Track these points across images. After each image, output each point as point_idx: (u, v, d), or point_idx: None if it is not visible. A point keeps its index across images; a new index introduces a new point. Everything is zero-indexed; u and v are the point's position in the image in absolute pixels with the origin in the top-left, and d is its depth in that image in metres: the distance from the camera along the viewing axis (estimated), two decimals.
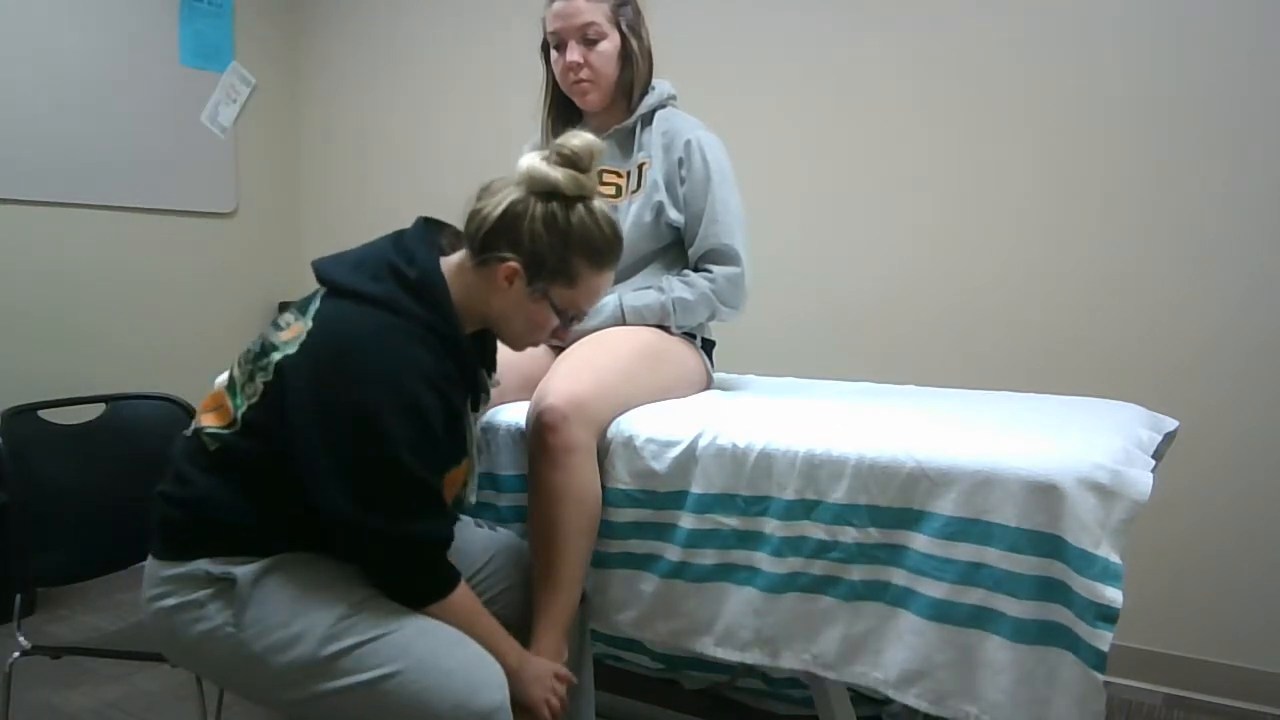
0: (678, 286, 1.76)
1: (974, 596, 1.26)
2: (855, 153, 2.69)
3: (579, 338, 1.67)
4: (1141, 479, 1.24)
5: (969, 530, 1.27)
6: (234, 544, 1.25)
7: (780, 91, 2.79)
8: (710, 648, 1.45)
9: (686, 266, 1.82)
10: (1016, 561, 1.24)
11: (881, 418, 1.50)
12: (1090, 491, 1.22)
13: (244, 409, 1.27)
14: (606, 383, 1.55)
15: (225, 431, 1.28)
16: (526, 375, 1.66)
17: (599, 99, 1.80)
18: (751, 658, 1.42)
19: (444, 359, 1.26)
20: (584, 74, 1.76)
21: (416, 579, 1.29)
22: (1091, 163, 2.39)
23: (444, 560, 1.31)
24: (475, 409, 1.40)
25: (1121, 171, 2.36)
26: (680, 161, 1.77)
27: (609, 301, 1.74)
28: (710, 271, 1.78)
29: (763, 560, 1.40)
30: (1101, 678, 1.17)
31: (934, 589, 1.28)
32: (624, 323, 1.75)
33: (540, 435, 1.46)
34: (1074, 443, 1.32)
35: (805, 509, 1.37)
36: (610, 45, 1.77)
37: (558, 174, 1.27)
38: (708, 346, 1.87)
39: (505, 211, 1.27)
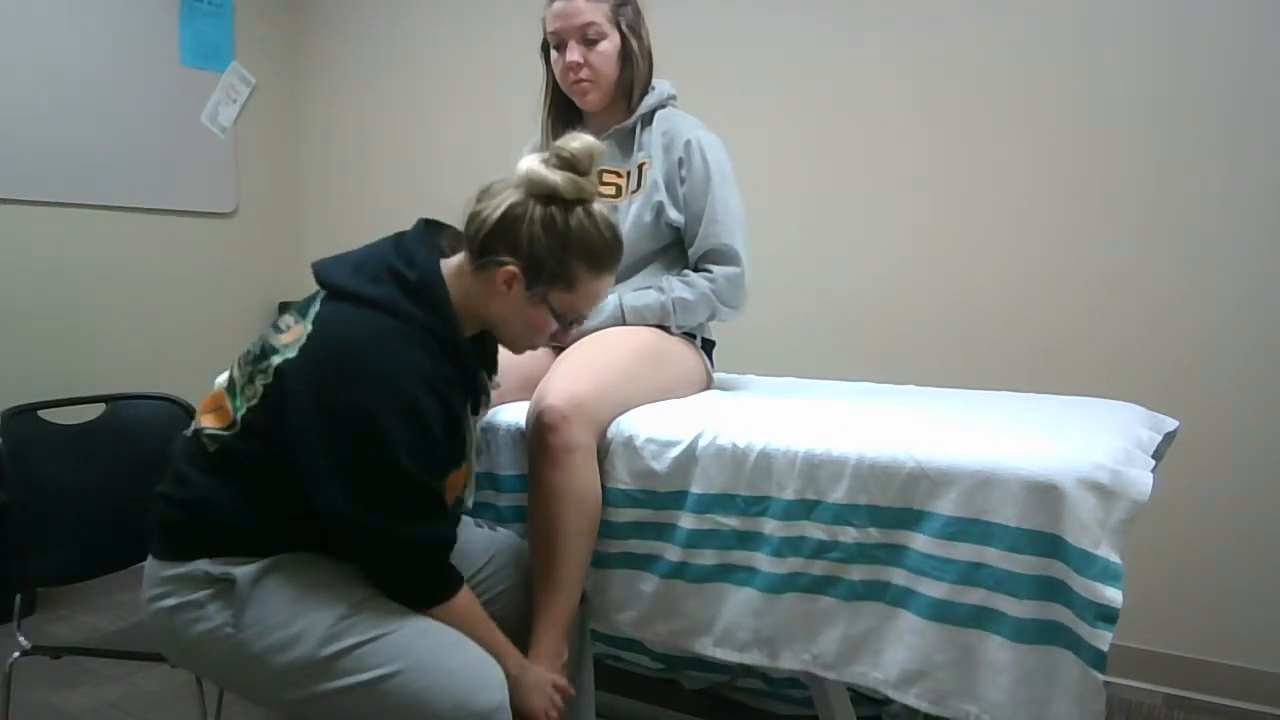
0: (678, 286, 1.76)
1: (974, 596, 1.26)
2: (855, 153, 2.69)
3: (579, 338, 1.67)
4: (1141, 479, 1.24)
5: (969, 530, 1.27)
6: (234, 545, 1.26)
7: (780, 91, 2.79)
8: (710, 648, 1.45)
9: (686, 266, 1.82)
10: (1016, 561, 1.24)
11: (881, 418, 1.50)
12: (1090, 491, 1.22)
13: (243, 411, 1.27)
14: (606, 383, 1.55)
15: (224, 433, 1.28)
16: (526, 375, 1.66)
17: (599, 99, 1.80)
18: (751, 658, 1.42)
19: (443, 362, 1.26)
20: (584, 74, 1.76)
21: (417, 580, 1.29)
22: (1091, 163, 2.39)
23: (446, 563, 1.31)
24: (475, 412, 1.40)
25: (1121, 171, 2.36)
26: (680, 161, 1.77)
27: (609, 301, 1.74)
28: (710, 271, 1.78)
29: (762, 560, 1.40)
30: (1102, 677, 1.17)
31: (934, 589, 1.28)
32: (624, 323, 1.75)
33: (540, 435, 1.46)
34: (1074, 443, 1.32)
35: (805, 509, 1.37)
36: (610, 45, 1.77)
37: (556, 177, 1.26)
38: (708, 346, 1.87)
39: (504, 214, 1.27)
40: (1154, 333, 2.34)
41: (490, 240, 1.27)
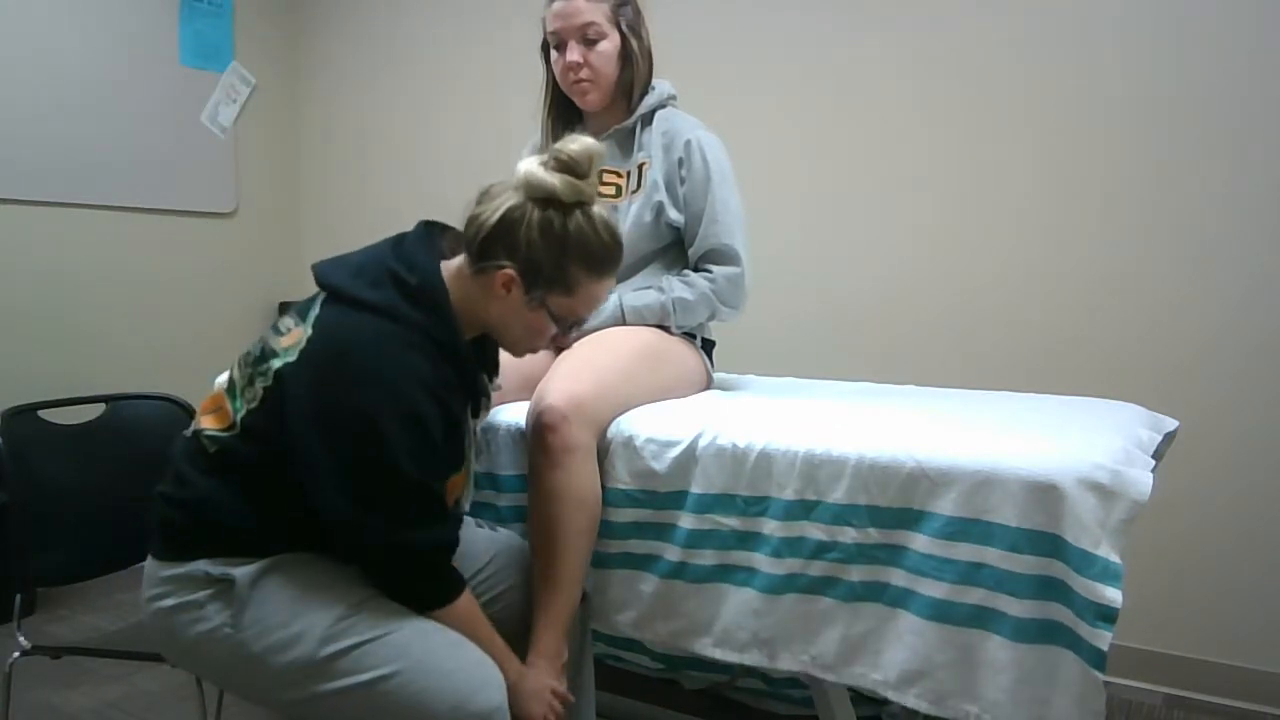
0: (678, 286, 1.76)
1: (974, 596, 1.26)
2: (855, 153, 2.69)
3: (579, 338, 1.67)
4: (1141, 479, 1.24)
5: (969, 530, 1.27)
6: (233, 545, 1.25)
7: (780, 91, 2.78)
8: (709, 649, 1.45)
9: (686, 266, 1.82)
10: (1017, 561, 1.24)
11: (881, 418, 1.50)
12: (1090, 491, 1.22)
13: (243, 413, 1.27)
14: (606, 383, 1.55)
15: (224, 434, 1.28)
16: (526, 375, 1.66)
17: (599, 99, 1.80)
18: (750, 659, 1.42)
19: (443, 366, 1.25)
20: (584, 74, 1.76)
21: (418, 584, 1.29)
22: (1091, 163, 2.39)
23: (447, 566, 1.31)
24: (475, 415, 1.40)
25: (1121, 171, 2.36)
26: (680, 161, 1.77)
27: (609, 301, 1.74)
28: (710, 271, 1.78)
29: (762, 561, 1.40)
30: (1102, 677, 1.17)
31: (934, 589, 1.28)
32: (624, 323, 1.75)
33: (540, 435, 1.46)
34: (1074, 443, 1.32)
35: (805, 509, 1.37)
36: (610, 45, 1.77)
37: (555, 180, 1.25)
38: (708, 346, 1.87)
39: (502, 218, 1.26)
40: (1154, 333, 2.34)
41: (489, 243, 1.27)
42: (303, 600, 1.24)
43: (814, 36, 2.72)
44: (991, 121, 2.50)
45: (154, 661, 1.57)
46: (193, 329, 3.49)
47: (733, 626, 1.43)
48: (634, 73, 1.80)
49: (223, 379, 1.36)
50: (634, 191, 1.79)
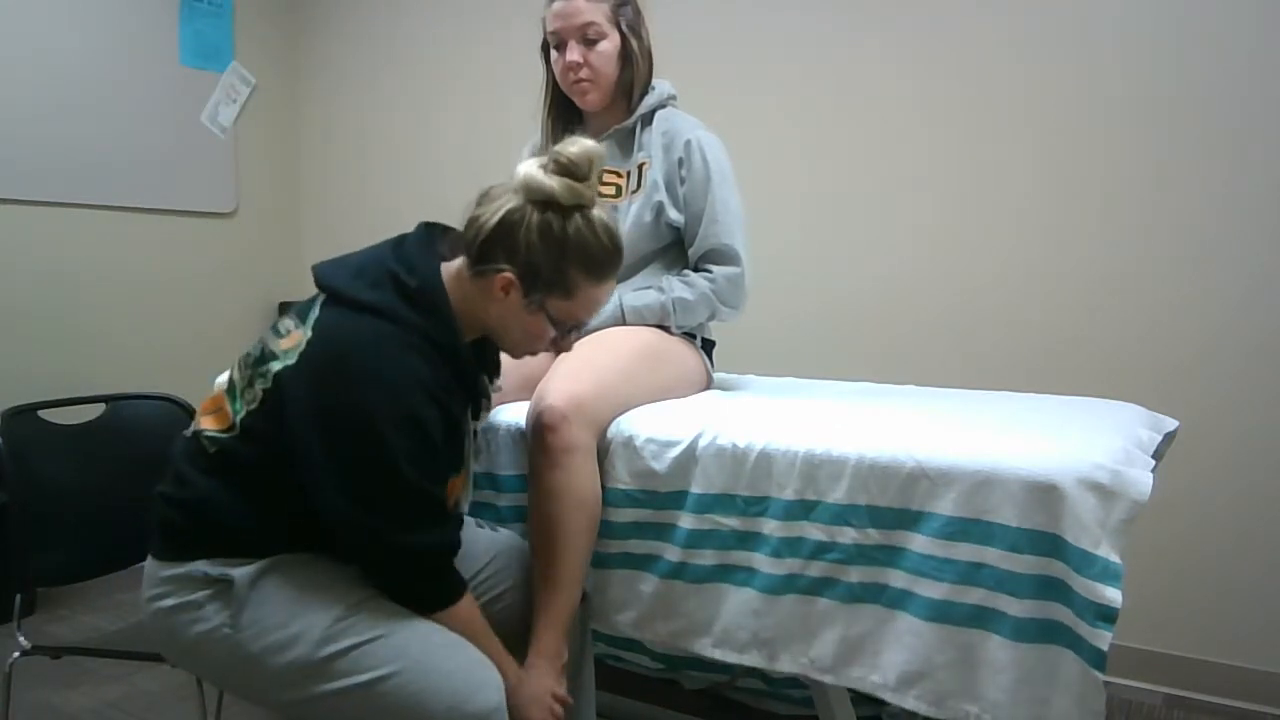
0: (678, 286, 1.76)
1: (974, 596, 1.26)
2: (855, 153, 2.69)
3: (579, 339, 1.67)
4: (1141, 479, 1.24)
5: (969, 530, 1.27)
6: (233, 545, 1.26)
7: (780, 91, 2.78)
8: (709, 649, 1.45)
9: (686, 266, 1.82)
10: (1016, 561, 1.24)
11: (881, 418, 1.50)
12: (1090, 491, 1.22)
13: (243, 414, 1.27)
14: (606, 383, 1.55)
15: (224, 435, 1.28)
16: (526, 375, 1.66)
17: (599, 99, 1.80)
18: (750, 659, 1.42)
19: (442, 368, 1.25)
20: (584, 74, 1.76)
21: (417, 584, 1.29)
22: (1091, 163, 2.39)
23: (449, 569, 1.31)
24: (475, 417, 1.39)
25: (1121, 171, 2.36)
26: (680, 161, 1.77)
27: (609, 301, 1.74)
28: (710, 271, 1.78)
29: (762, 561, 1.40)
30: (1102, 677, 1.17)
31: (933, 590, 1.28)
32: (624, 323, 1.75)
33: (540, 435, 1.46)
34: (1074, 443, 1.32)
35: (804, 509, 1.37)
36: (610, 45, 1.77)
37: (553, 183, 1.24)
38: (708, 346, 1.87)
39: (501, 220, 1.25)
40: (1154, 333, 2.34)
41: (488, 246, 1.26)
42: (301, 601, 1.24)
43: (814, 36, 2.72)
44: (991, 121, 2.50)
45: (154, 661, 1.57)
46: (193, 329, 3.49)
47: (732, 627, 1.43)
48: (634, 73, 1.80)
49: (223, 379, 1.36)
50: (634, 191, 1.79)
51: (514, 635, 1.42)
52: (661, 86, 1.85)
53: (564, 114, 1.87)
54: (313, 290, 1.32)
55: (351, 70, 3.71)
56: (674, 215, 1.77)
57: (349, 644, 1.23)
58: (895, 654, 1.31)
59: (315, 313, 1.27)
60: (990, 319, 2.53)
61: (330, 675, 1.22)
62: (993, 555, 1.25)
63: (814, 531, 1.36)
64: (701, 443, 1.45)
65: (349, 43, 3.70)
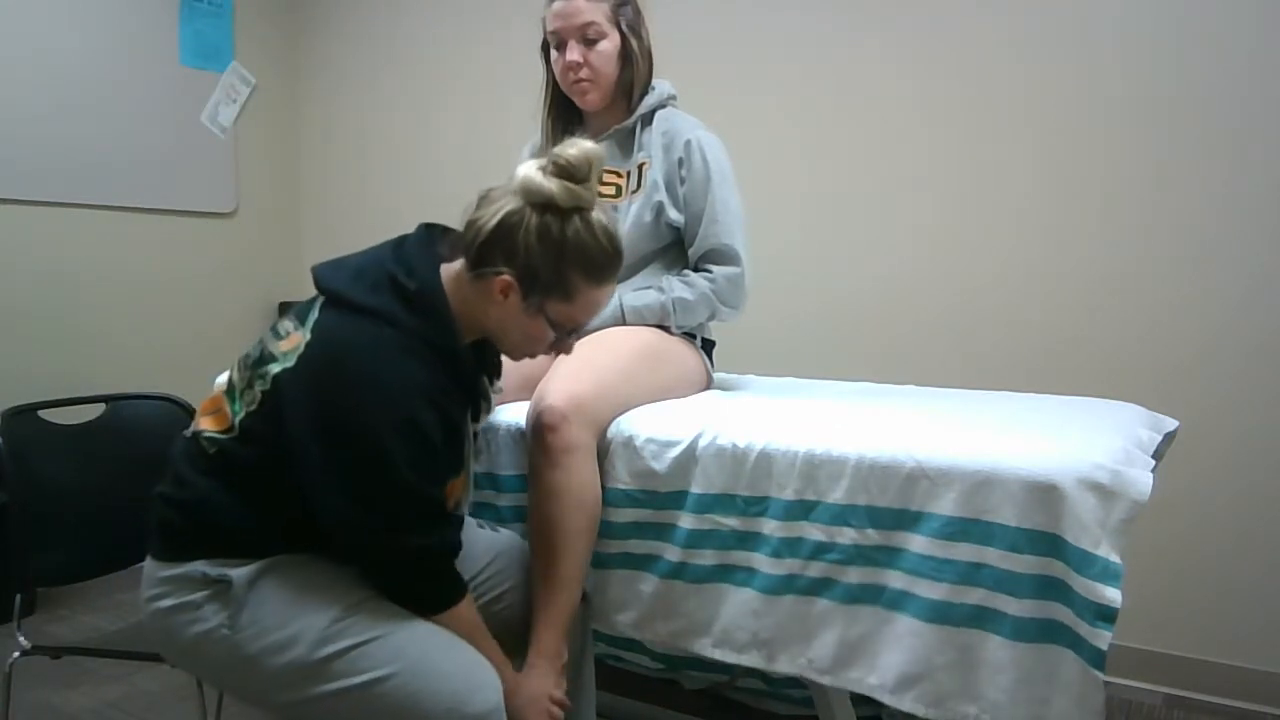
0: (678, 286, 1.76)
1: (974, 596, 1.26)
2: (855, 153, 2.69)
3: (579, 339, 1.67)
4: (1141, 479, 1.24)
5: (969, 530, 1.27)
6: (231, 546, 1.25)
7: (780, 91, 2.78)
8: (709, 649, 1.45)
9: (686, 266, 1.82)
10: (1016, 561, 1.24)
11: (881, 418, 1.50)
12: (1090, 491, 1.22)
13: (242, 416, 1.27)
14: (606, 383, 1.55)
15: (223, 437, 1.27)
16: (526, 375, 1.66)
17: (599, 99, 1.80)
18: (749, 660, 1.42)
19: (441, 372, 1.25)
20: (584, 74, 1.76)
21: (416, 585, 1.29)
22: (1091, 163, 2.39)
23: (448, 570, 1.30)
24: (475, 419, 1.39)
25: (1121, 171, 2.36)
26: (680, 161, 1.77)
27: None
28: (710, 271, 1.78)
29: (761, 561, 1.40)
30: (1102, 676, 1.17)
31: (932, 590, 1.28)
32: (624, 323, 1.75)
33: (540, 435, 1.46)
34: (1074, 443, 1.32)
35: (804, 509, 1.37)
36: (610, 45, 1.77)
37: (552, 185, 1.24)
38: (708, 346, 1.87)
39: (500, 223, 1.25)
40: (1154, 333, 2.34)
41: (486, 248, 1.26)
42: (299, 602, 1.24)
43: (814, 36, 2.72)
44: (991, 121, 2.50)
45: (154, 661, 1.57)
46: (193, 329, 3.49)
47: (732, 627, 1.43)
48: (634, 73, 1.80)
49: (222, 380, 1.36)
50: (634, 191, 1.79)
51: (514, 636, 1.42)
52: (661, 86, 1.85)
53: (564, 114, 1.87)
54: (313, 291, 1.32)
55: (351, 70, 3.71)
56: (674, 215, 1.77)
57: (347, 645, 1.23)
58: (894, 655, 1.31)
59: (314, 315, 1.27)
60: (990, 319, 2.53)
61: (328, 676, 1.22)
62: (992, 555, 1.25)
63: (814, 532, 1.36)
64: (701, 443, 1.45)
65: (349, 43, 3.70)
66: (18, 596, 1.73)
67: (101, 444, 1.87)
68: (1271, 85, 2.19)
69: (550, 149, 1.29)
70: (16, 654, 1.64)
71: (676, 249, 1.83)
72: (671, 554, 1.47)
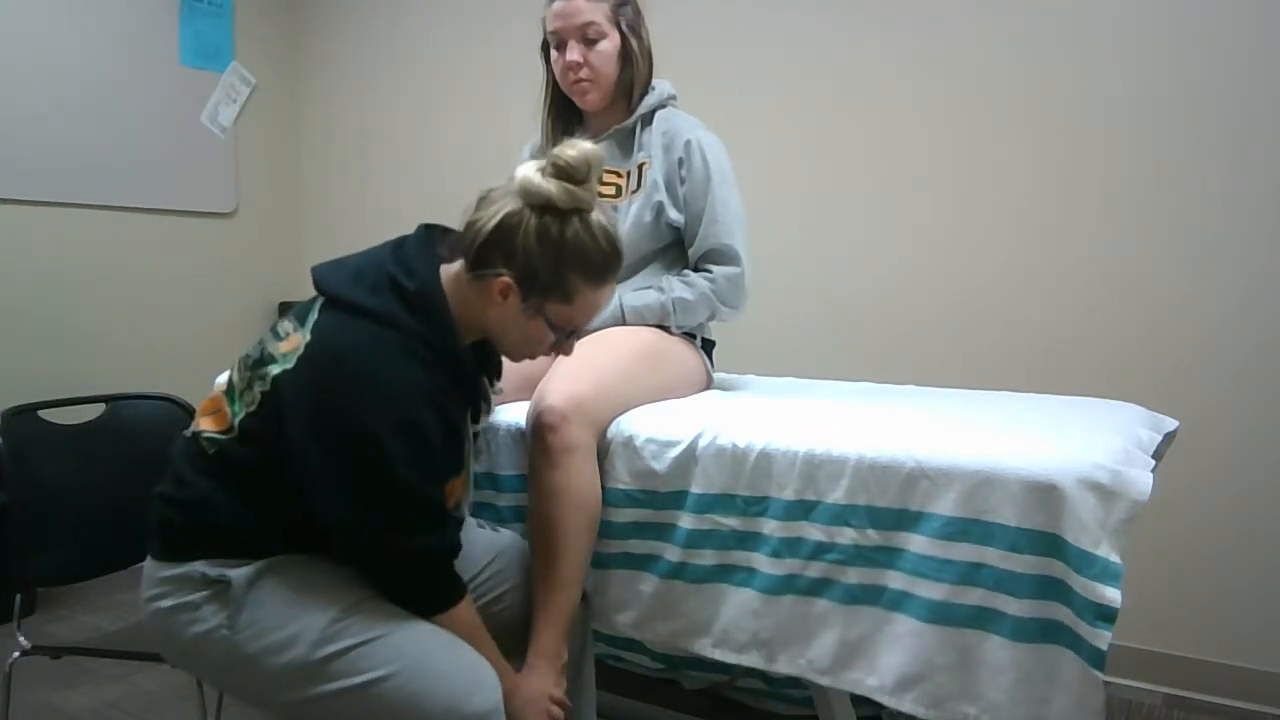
0: (678, 286, 1.76)
1: (974, 597, 1.26)
2: (855, 153, 2.69)
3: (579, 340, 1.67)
4: (1141, 479, 1.24)
5: (969, 530, 1.27)
6: (231, 546, 1.25)
7: (780, 91, 2.78)
8: (709, 649, 1.45)
9: (686, 266, 1.82)
10: (1016, 561, 1.24)
11: (881, 418, 1.50)
12: (1090, 491, 1.22)
13: (241, 416, 1.27)
14: (606, 383, 1.55)
15: (223, 437, 1.27)
16: (526, 375, 1.66)
17: (599, 99, 1.80)
18: (749, 660, 1.42)
19: (440, 374, 1.25)
20: (584, 74, 1.76)
21: (415, 586, 1.29)
22: (1091, 163, 2.39)
23: (448, 571, 1.30)
24: (475, 420, 1.39)
25: (1121, 171, 2.36)
26: (680, 161, 1.77)
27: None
28: (710, 271, 1.78)
29: (761, 561, 1.40)
30: (1101, 676, 1.17)
31: (932, 590, 1.28)
32: (624, 323, 1.75)
33: (540, 435, 1.46)
34: (1074, 443, 1.32)
35: (804, 509, 1.37)
36: (610, 45, 1.77)
37: (551, 186, 1.24)
38: (708, 346, 1.87)
39: (499, 224, 1.25)
40: (1154, 333, 2.34)
41: (486, 250, 1.26)
42: (298, 602, 1.24)
43: (814, 36, 2.72)
44: (991, 121, 2.50)
45: (154, 661, 1.57)
46: (193, 329, 3.49)
47: (732, 627, 1.43)
48: (634, 73, 1.80)
49: (222, 380, 1.36)
50: (634, 191, 1.79)
51: (514, 636, 1.42)
52: (661, 86, 1.85)
53: (564, 114, 1.87)
54: (312, 291, 1.32)
55: (351, 70, 3.71)
56: (674, 215, 1.77)
57: (346, 645, 1.22)
58: (893, 656, 1.31)
59: (314, 316, 1.27)
60: (990, 319, 2.53)
61: (327, 676, 1.22)
62: (992, 555, 1.25)
63: (813, 532, 1.36)
64: (701, 443, 1.45)
65: (349, 43, 3.70)
66: (18, 596, 1.73)
67: (101, 444, 1.87)
68: (1271, 85, 2.19)
69: (550, 149, 1.28)
70: (16, 654, 1.64)
71: (676, 249, 1.83)
72: (671, 554, 1.47)
